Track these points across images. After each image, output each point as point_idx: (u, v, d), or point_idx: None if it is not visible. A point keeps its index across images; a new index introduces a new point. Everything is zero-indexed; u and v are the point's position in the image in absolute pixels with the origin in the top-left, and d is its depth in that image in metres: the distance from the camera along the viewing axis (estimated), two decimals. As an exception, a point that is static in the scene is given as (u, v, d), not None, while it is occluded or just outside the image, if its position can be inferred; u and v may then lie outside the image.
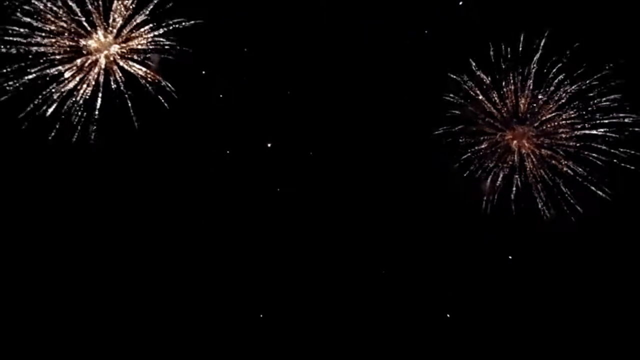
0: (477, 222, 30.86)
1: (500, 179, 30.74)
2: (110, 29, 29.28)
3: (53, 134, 28.87)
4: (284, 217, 31.69)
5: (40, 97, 28.40)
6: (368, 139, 31.94)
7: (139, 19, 29.32)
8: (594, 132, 29.98)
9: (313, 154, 31.87)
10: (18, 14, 27.85)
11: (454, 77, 30.48)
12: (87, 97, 29.10)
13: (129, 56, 29.66)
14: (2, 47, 27.73)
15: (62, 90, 28.80)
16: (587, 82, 29.95)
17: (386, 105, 31.69)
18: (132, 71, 29.56)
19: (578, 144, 30.26)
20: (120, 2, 29.01)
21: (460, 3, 30.73)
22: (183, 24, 29.23)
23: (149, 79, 29.61)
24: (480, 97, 30.57)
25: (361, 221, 31.98)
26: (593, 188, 30.11)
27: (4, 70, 27.91)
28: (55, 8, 28.24)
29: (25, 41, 28.02)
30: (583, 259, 31.39)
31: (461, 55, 30.10)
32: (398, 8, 30.97)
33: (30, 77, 28.14)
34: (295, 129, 31.82)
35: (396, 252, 32.14)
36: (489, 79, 30.38)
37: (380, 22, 31.15)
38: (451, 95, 30.72)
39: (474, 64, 30.32)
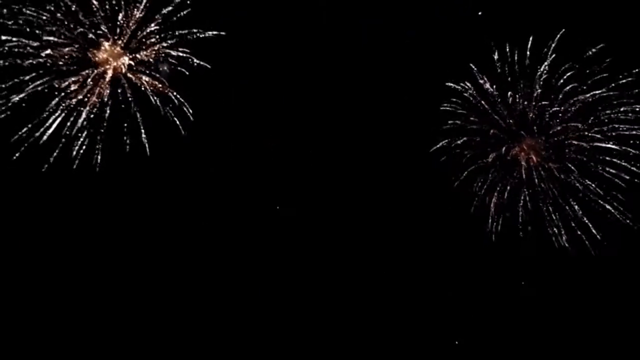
0: (482, 245, 28.77)
1: (506, 195, 28.45)
2: (120, 39, 27.96)
3: (55, 155, 27.19)
4: (288, 233, 31.02)
5: (45, 111, 26.85)
6: (368, 148, 30.55)
7: (149, 29, 28.01)
8: (609, 145, 27.20)
9: (314, 166, 31.06)
10: (21, 23, 26.44)
11: (454, 85, 28.39)
12: (93, 113, 27.60)
13: (139, 68, 28.33)
14: (6, 59, 26.41)
15: (68, 103, 27.32)
16: (601, 91, 27.18)
17: (386, 113, 30.19)
18: (140, 84, 28.22)
19: (591, 158, 27.60)
20: (129, 12, 27.70)
21: (480, 13, 28.58)
22: (196, 35, 28.03)
23: (159, 91, 28.22)
24: (484, 106, 28.26)
25: (362, 239, 30.68)
26: (608, 207, 27.37)
27: (7, 84, 26.45)
28: (61, 17, 26.86)
29: (29, 52, 26.55)
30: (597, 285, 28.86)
31: (462, 59, 28.00)
32: (397, 8, 29.42)
33: (34, 89, 26.66)
34: (297, 138, 30.97)
35: (398, 275, 30.70)
36: (494, 86, 28.04)
37: (379, 21, 29.77)
38: (451, 105, 28.62)
39: (475, 69, 28.14)
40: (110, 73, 28.08)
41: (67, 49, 27.32)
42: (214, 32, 28.31)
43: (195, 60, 28.20)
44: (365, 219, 30.91)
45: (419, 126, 29.63)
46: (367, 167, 30.92)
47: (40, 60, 26.96)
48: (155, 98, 28.15)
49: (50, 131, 27.12)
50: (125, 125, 27.96)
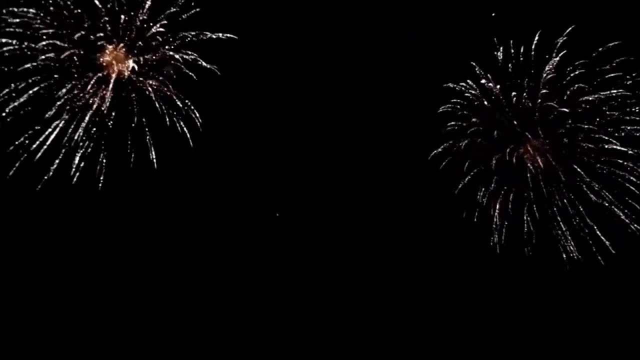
0: (486, 256, 27.20)
1: (510, 203, 26.80)
2: (124, 42, 26.50)
3: (53, 169, 25.38)
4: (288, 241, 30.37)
5: (43, 120, 25.01)
6: (368, 150, 29.75)
7: (155, 30, 26.58)
8: (618, 147, 25.61)
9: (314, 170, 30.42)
10: (20, 25, 24.81)
11: (455, 85, 27.13)
12: (95, 121, 25.88)
13: (143, 70, 26.88)
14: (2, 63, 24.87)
15: (71, 107, 25.65)
16: (609, 92, 25.60)
17: (387, 113, 29.33)
18: (146, 89, 26.80)
19: (599, 161, 25.99)
20: (134, 14, 26.30)
21: (493, 14, 27.37)
22: (200, 37, 26.85)
23: (165, 94, 26.87)
24: (487, 106, 26.88)
25: (360, 242, 29.81)
26: (617, 212, 25.70)
27: (3, 90, 24.83)
28: (62, 18, 25.32)
29: (27, 55, 24.98)
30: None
31: (464, 59, 26.78)
32: (398, 9, 28.59)
33: (32, 95, 24.98)
34: (297, 138, 30.28)
35: (394, 285, 29.71)
36: (497, 86, 26.70)
37: (380, 22, 29.00)
38: (453, 106, 27.31)
39: (478, 68, 26.80)
40: (113, 77, 26.80)
41: (68, 52, 25.88)
42: (218, 34, 27.38)
43: (203, 63, 27.14)
44: (363, 223, 30.13)
45: (420, 127, 28.75)
46: (367, 169, 30.16)
47: (40, 64, 25.51)
48: (161, 104, 26.89)
49: (48, 142, 25.52)
50: (130, 134, 26.58)
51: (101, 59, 26.60)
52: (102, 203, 26.90)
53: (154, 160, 26.68)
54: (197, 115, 27.15)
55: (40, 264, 27.47)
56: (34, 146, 25.28)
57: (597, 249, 26.33)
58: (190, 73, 27.19)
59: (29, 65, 25.09)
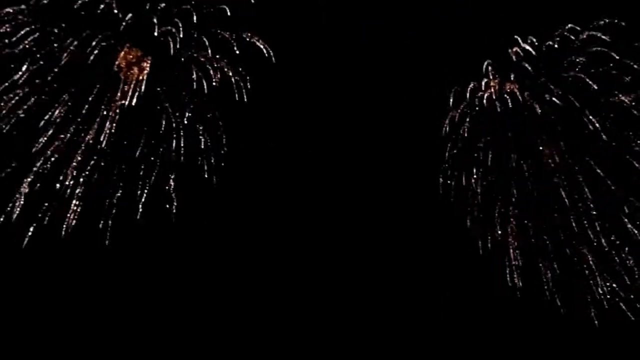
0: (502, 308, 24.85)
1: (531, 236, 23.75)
2: (140, 43, 22.82)
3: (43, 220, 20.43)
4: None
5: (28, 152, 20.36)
6: (368, 154, 28.21)
7: (173, 30, 23.18)
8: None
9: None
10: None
11: (459, 88, 24.86)
12: (107, 136, 21.54)
13: (160, 74, 23.29)
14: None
15: (77, 127, 21.38)
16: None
17: (386, 114, 27.83)
18: (163, 95, 23.39)
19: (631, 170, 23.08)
20: (154, 14, 22.82)
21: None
22: (220, 35, 24.57)
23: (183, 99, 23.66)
24: (496, 110, 24.30)
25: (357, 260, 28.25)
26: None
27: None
28: (72, 18, 21.35)
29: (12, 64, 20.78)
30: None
31: (465, 60, 24.84)
32: (397, 8, 27.05)
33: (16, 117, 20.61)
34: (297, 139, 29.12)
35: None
36: (509, 87, 24.11)
37: (379, 22, 27.66)
38: (458, 110, 24.91)
39: (486, 66, 24.36)
40: (127, 79, 22.77)
41: (76, 51, 21.45)
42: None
43: (231, 73, 24.88)
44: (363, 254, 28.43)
45: (420, 131, 26.92)
46: (367, 175, 28.60)
47: (25, 77, 20.83)
48: (179, 126, 23.58)
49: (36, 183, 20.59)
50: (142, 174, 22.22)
51: (117, 61, 22.47)
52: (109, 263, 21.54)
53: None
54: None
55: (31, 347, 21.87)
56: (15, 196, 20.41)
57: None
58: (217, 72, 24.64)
59: (10, 79, 20.38)
